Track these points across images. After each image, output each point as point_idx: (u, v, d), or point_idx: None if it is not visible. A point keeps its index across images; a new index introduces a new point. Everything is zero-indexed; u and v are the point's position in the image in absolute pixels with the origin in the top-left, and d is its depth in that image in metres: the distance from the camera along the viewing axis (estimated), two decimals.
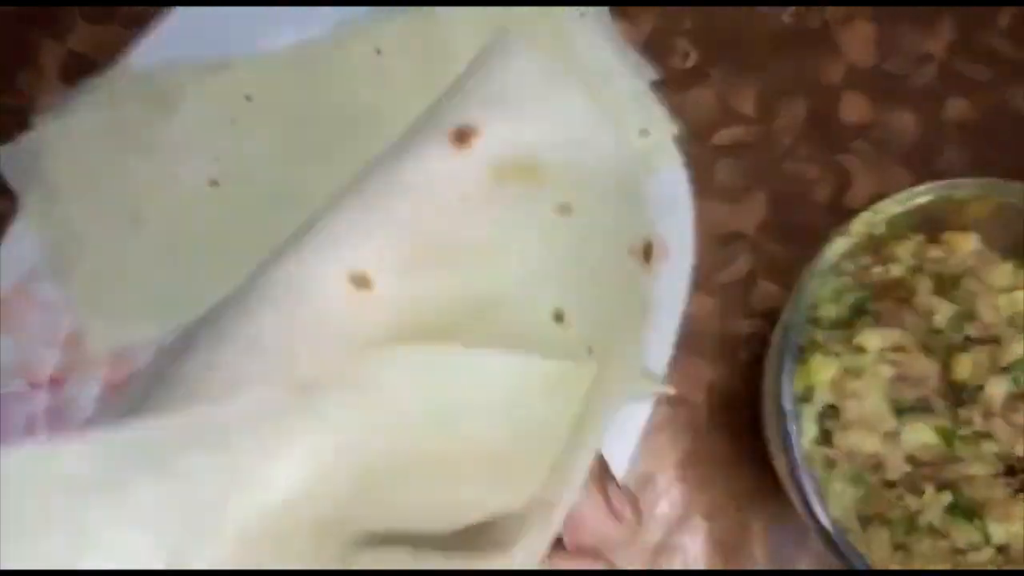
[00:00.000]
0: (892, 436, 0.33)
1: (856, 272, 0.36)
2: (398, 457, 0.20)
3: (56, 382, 0.36)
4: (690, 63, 0.43)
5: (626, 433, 0.37)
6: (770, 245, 0.42)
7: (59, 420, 0.36)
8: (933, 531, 0.34)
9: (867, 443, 0.33)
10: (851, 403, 0.33)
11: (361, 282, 0.25)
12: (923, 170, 0.42)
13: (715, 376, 0.40)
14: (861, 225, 0.33)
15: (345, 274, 0.27)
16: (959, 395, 0.34)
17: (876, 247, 0.35)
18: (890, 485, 0.34)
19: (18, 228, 0.37)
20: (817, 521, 0.30)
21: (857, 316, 0.36)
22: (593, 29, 0.41)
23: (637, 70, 0.41)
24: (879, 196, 0.35)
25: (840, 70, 0.44)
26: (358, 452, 0.19)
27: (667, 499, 0.39)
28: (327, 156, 0.39)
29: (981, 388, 0.34)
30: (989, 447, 0.34)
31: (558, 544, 0.23)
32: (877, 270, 0.36)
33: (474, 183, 0.26)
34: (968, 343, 0.35)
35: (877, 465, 0.33)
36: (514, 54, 0.20)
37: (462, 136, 0.19)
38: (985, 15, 0.44)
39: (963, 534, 0.33)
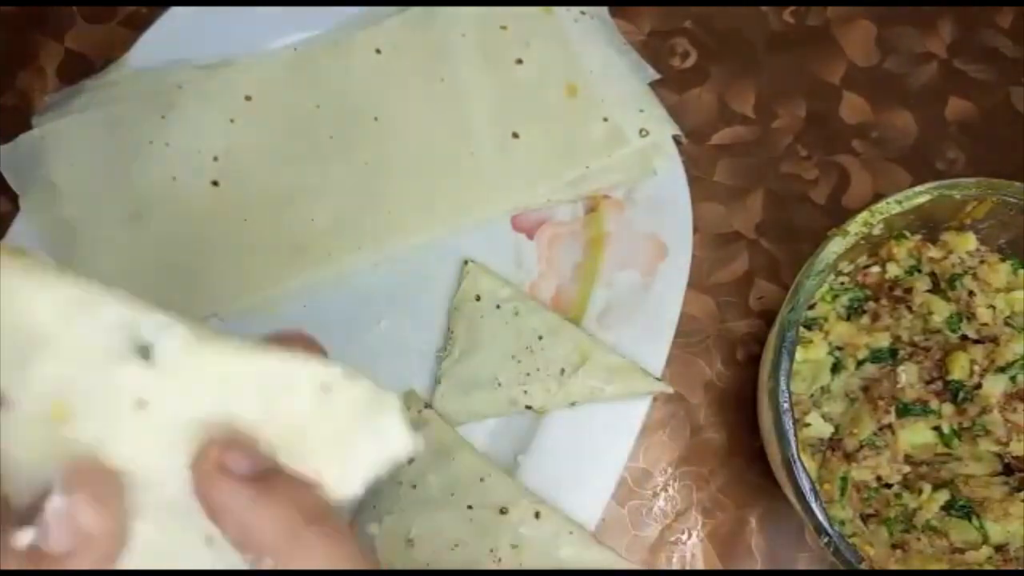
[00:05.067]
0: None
1: (853, 272, 0.36)
2: None
3: None
4: (689, 63, 0.43)
5: (625, 430, 0.37)
6: (768, 245, 0.42)
7: None
8: (931, 530, 0.34)
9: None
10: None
11: None
12: (922, 170, 0.42)
13: (713, 374, 0.40)
14: (859, 225, 0.33)
15: None
16: (956, 394, 0.34)
17: (874, 247, 0.35)
18: (887, 484, 0.34)
19: (18, 228, 0.38)
20: (813, 517, 0.31)
21: (854, 316, 0.36)
22: (593, 28, 0.41)
23: (636, 70, 0.41)
24: (878, 196, 0.36)
25: (840, 70, 0.44)
26: None
27: (665, 495, 0.39)
28: (327, 156, 0.39)
29: (978, 387, 0.34)
30: (986, 446, 0.34)
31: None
32: (875, 270, 0.36)
33: None
34: (965, 342, 0.35)
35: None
36: None
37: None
38: (985, 14, 0.44)
39: (961, 533, 0.33)
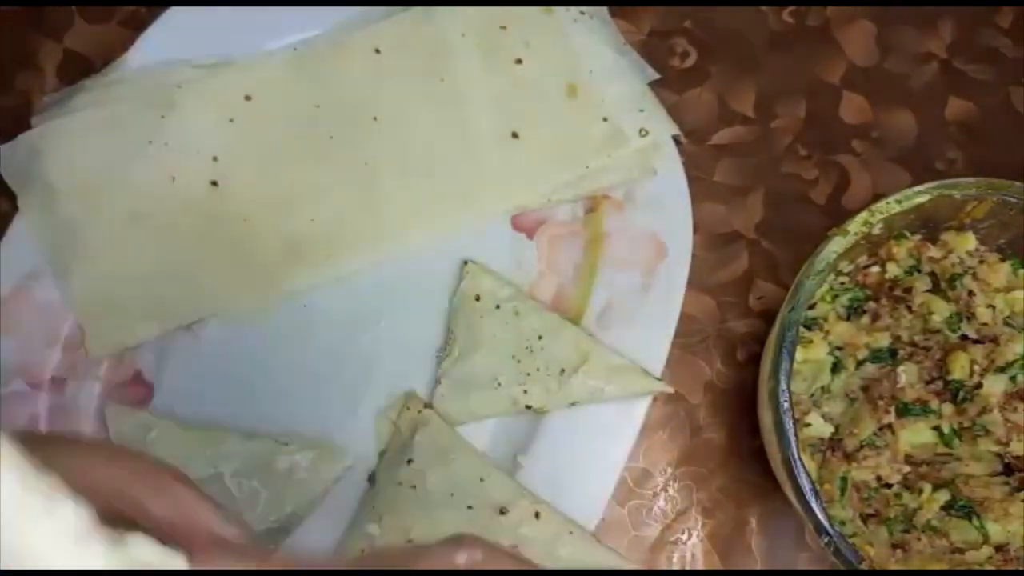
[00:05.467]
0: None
1: (853, 272, 0.36)
2: None
3: (57, 382, 0.37)
4: (689, 63, 0.43)
5: (625, 431, 0.37)
6: (768, 245, 0.42)
7: (61, 420, 0.36)
8: (931, 530, 0.34)
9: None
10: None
11: None
12: (922, 170, 0.42)
13: (713, 374, 0.40)
14: (859, 225, 0.33)
15: None
16: (956, 394, 0.34)
17: (874, 247, 0.35)
18: (888, 484, 0.34)
19: (18, 228, 0.37)
20: (813, 516, 0.31)
21: (854, 315, 0.36)
22: (592, 29, 0.41)
23: (636, 70, 0.41)
24: (877, 196, 0.36)
25: (840, 70, 0.44)
26: None
27: (665, 495, 0.39)
28: (327, 156, 0.39)
29: (979, 387, 0.34)
30: (986, 446, 0.34)
31: None
32: (875, 270, 0.36)
33: None
34: (965, 342, 0.35)
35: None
36: None
37: None
38: (985, 14, 0.44)
39: (961, 533, 0.33)
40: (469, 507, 0.35)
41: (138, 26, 0.40)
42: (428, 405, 0.37)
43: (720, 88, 0.43)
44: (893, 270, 0.36)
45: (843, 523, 0.33)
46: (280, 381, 0.37)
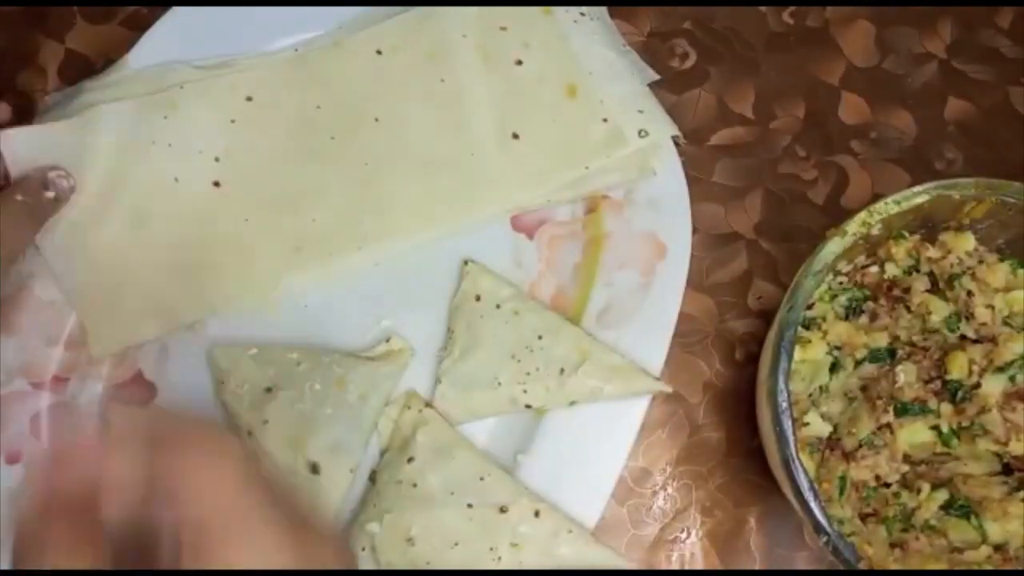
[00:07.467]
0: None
1: (852, 272, 0.36)
2: None
3: (58, 382, 0.37)
4: (689, 63, 0.44)
5: (624, 430, 0.37)
6: (767, 245, 0.42)
7: (62, 420, 0.36)
8: (930, 529, 0.34)
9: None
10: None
11: None
12: (921, 170, 0.42)
13: (712, 374, 0.40)
14: (858, 225, 0.33)
15: None
16: (955, 394, 0.34)
17: (872, 247, 0.35)
18: (886, 483, 0.34)
19: None
20: (812, 516, 0.31)
21: (852, 315, 0.36)
22: (592, 29, 0.41)
23: (636, 70, 0.41)
24: (876, 196, 0.36)
25: (839, 70, 0.44)
26: None
27: (664, 494, 0.39)
28: (327, 156, 0.39)
29: (977, 387, 0.34)
30: (985, 445, 0.34)
31: None
32: (873, 270, 0.36)
33: None
34: (964, 342, 0.35)
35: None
36: None
37: None
38: (985, 15, 0.45)
39: (960, 532, 0.34)
40: (469, 505, 0.35)
41: (140, 26, 0.40)
42: (429, 404, 0.37)
43: (719, 89, 0.43)
44: (892, 270, 0.36)
45: (841, 522, 0.33)
46: None
